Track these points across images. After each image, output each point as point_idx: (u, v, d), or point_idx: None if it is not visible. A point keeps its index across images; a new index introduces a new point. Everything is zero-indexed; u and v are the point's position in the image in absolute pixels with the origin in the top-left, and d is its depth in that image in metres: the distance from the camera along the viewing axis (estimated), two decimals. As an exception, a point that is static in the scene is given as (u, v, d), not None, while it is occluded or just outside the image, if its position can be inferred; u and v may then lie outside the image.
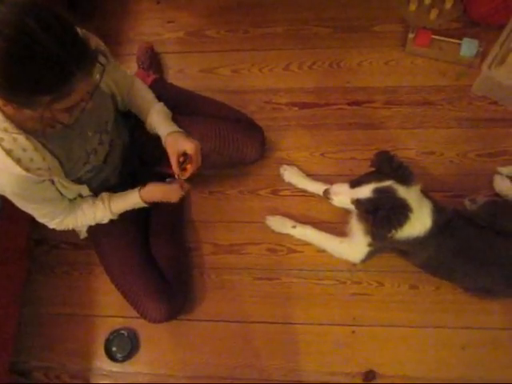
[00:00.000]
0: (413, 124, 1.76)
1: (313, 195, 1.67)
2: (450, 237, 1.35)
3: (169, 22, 2.04)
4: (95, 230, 1.45)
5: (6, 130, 1.00)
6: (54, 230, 1.32)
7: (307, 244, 1.63)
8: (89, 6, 2.10)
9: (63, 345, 1.64)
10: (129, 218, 1.45)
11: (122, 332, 1.61)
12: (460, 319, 1.52)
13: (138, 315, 1.48)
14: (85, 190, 1.33)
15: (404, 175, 1.27)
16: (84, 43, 0.90)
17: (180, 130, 1.41)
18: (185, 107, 1.70)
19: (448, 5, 1.84)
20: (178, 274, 1.57)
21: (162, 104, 1.47)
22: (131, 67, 1.93)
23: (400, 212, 1.24)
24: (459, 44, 1.78)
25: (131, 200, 1.38)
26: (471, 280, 1.44)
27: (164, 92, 1.77)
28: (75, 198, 1.32)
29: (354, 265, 1.58)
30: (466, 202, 1.60)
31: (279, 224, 1.63)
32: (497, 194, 1.62)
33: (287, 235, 1.63)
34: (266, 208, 1.70)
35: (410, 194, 1.25)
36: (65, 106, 0.95)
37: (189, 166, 1.37)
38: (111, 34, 2.02)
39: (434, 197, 1.38)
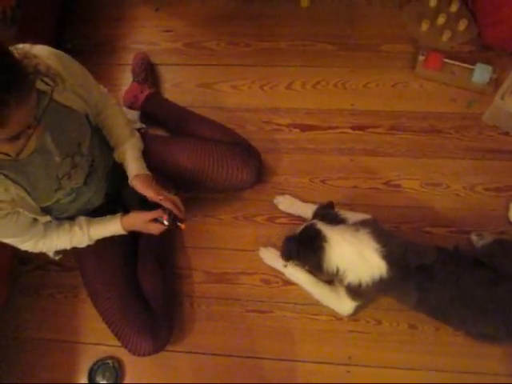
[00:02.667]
0: (418, 153, 1.67)
1: (311, 224, 1.59)
2: (435, 282, 1.27)
3: (166, 30, 1.93)
4: (81, 250, 1.37)
5: None
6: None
7: (303, 276, 1.56)
8: (84, 10, 1.99)
9: (44, 372, 1.56)
10: (117, 239, 1.38)
11: (107, 361, 1.54)
12: (459, 363, 1.45)
13: (124, 344, 1.41)
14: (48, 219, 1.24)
15: (330, 218, 1.27)
16: (16, 67, 0.80)
17: (148, 173, 1.35)
18: (179, 127, 1.63)
19: (461, 27, 1.75)
20: (164, 304, 1.49)
21: (138, 137, 1.41)
22: (125, 77, 1.85)
23: (309, 241, 1.24)
24: (472, 69, 1.69)
25: (111, 228, 1.33)
26: (470, 326, 1.37)
27: (159, 109, 1.70)
28: (50, 221, 1.25)
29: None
30: (473, 237, 1.54)
31: (272, 258, 1.56)
32: (503, 232, 1.55)
33: (282, 266, 1.56)
34: (262, 236, 1.62)
35: (330, 231, 1.23)
36: (4, 136, 0.84)
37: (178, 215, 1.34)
38: (105, 42, 1.93)
39: (411, 239, 1.39)
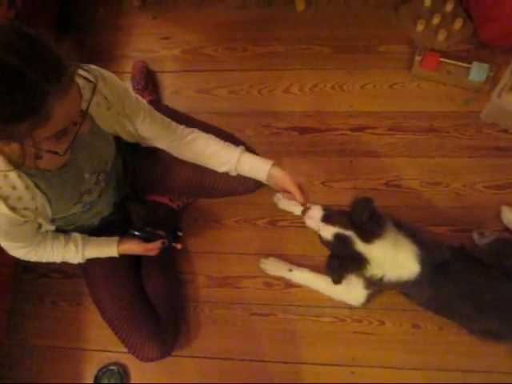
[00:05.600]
0: (417, 152, 1.68)
1: (312, 226, 1.60)
2: (449, 279, 1.28)
3: (164, 38, 1.95)
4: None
5: None
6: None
7: (305, 278, 1.57)
8: (81, 19, 2.01)
9: (49, 380, 1.57)
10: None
11: (112, 368, 1.55)
12: (463, 362, 1.45)
13: (128, 350, 1.42)
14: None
15: (370, 230, 1.18)
16: (55, 57, 0.79)
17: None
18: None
19: (457, 26, 1.75)
20: (170, 309, 1.50)
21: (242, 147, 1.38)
22: (125, 86, 1.86)
23: (350, 264, 1.20)
24: (468, 68, 1.69)
25: (107, 251, 1.35)
26: (475, 322, 1.38)
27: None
28: (46, 231, 1.25)
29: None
30: (475, 236, 1.54)
31: (274, 267, 1.57)
32: (505, 229, 1.55)
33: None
34: (264, 239, 1.63)
35: (370, 249, 1.18)
36: (50, 132, 0.83)
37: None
38: (104, 50, 1.94)
39: (429, 235, 1.36)
